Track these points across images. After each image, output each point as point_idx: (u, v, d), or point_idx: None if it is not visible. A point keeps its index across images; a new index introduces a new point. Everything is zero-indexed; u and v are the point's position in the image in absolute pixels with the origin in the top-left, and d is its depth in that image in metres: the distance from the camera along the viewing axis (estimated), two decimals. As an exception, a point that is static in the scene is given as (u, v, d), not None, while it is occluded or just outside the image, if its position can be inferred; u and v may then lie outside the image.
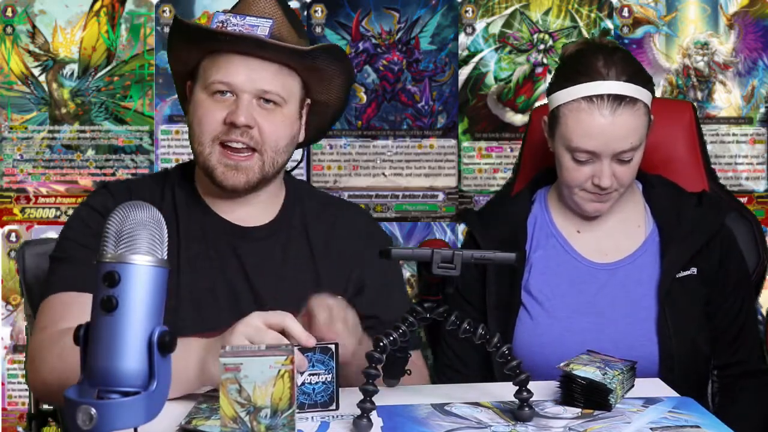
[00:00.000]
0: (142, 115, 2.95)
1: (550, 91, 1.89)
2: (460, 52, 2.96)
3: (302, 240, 1.81)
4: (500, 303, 1.92)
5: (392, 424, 1.43)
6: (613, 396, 1.49)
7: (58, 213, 2.96)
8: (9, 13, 2.92)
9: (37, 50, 2.94)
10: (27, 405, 2.11)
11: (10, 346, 2.96)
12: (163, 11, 2.94)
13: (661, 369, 1.83)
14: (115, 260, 1.06)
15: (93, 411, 1.03)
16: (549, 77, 2.79)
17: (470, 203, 2.97)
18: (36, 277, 1.92)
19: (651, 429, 1.41)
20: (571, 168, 1.86)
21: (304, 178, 2.93)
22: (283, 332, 1.45)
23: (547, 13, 2.94)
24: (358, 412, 1.39)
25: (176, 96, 1.90)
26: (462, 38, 2.96)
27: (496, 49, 2.95)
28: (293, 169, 1.89)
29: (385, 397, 1.49)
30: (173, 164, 2.62)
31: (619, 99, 1.80)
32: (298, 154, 1.83)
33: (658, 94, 2.23)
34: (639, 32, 2.95)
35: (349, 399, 1.46)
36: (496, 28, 2.95)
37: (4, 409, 2.95)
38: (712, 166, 2.18)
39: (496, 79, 2.96)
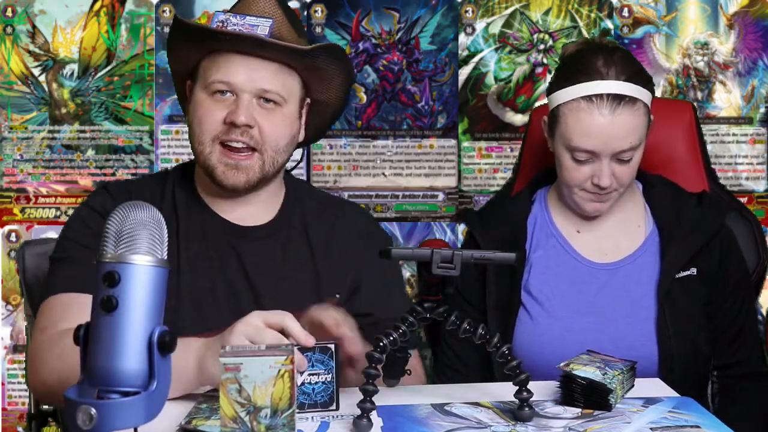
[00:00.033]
0: (142, 115, 2.95)
1: (550, 91, 1.90)
2: (460, 52, 2.96)
3: (302, 239, 1.81)
4: (500, 303, 1.92)
5: (392, 424, 1.43)
6: (613, 396, 1.49)
7: (58, 213, 2.96)
8: (9, 13, 2.92)
9: (37, 50, 2.94)
10: (27, 405, 2.11)
11: (10, 346, 2.96)
12: (163, 11, 2.94)
13: (660, 369, 1.83)
14: (115, 260, 1.06)
15: (93, 411, 1.03)
16: (549, 77, 2.78)
17: (470, 203, 2.97)
18: (36, 277, 1.92)
19: (651, 429, 1.41)
20: (570, 167, 1.86)
21: (304, 178, 2.93)
22: (283, 332, 1.45)
23: (547, 13, 2.94)
24: (358, 412, 1.39)
25: (176, 96, 1.90)
26: (462, 38, 2.95)
27: (496, 49, 2.95)
28: (293, 168, 1.89)
29: (385, 397, 1.48)
30: (173, 164, 2.62)
31: (618, 98, 1.80)
32: (297, 153, 1.84)
33: (658, 94, 2.23)
34: (639, 32, 2.95)
35: (349, 399, 1.46)
36: (496, 28, 2.95)
37: (4, 409, 2.95)
38: (712, 166, 2.18)
39: (496, 79, 2.96)
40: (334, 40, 2.91)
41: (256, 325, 1.44)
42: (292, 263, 1.78)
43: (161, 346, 1.06)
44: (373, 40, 2.95)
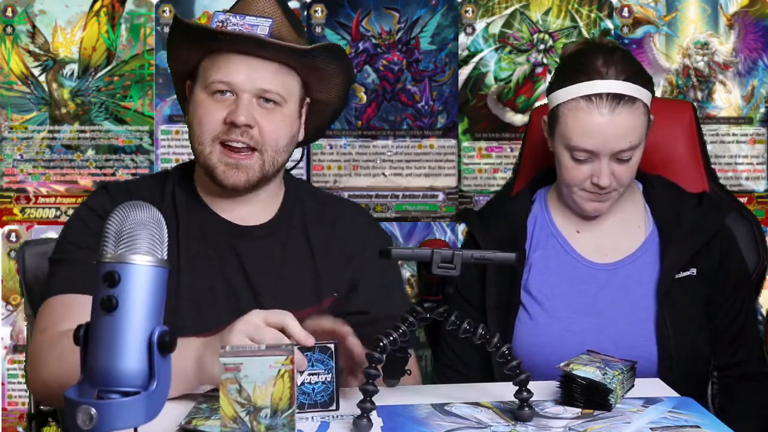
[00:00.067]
0: (142, 115, 2.95)
1: (549, 91, 1.90)
2: (460, 52, 2.96)
3: (302, 239, 1.81)
4: (500, 303, 1.92)
5: (392, 424, 1.43)
6: (613, 396, 1.49)
7: (58, 213, 2.96)
8: (9, 13, 2.92)
9: (37, 50, 2.94)
10: (27, 405, 2.11)
11: (10, 346, 2.96)
12: (163, 11, 2.94)
13: (660, 369, 1.83)
14: (115, 260, 1.06)
15: (93, 411, 1.03)
16: (549, 77, 2.79)
17: (470, 203, 2.97)
18: (36, 277, 1.92)
19: (651, 429, 1.41)
20: (570, 167, 1.86)
21: (304, 177, 2.93)
22: (283, 331, 1.45)
23: (547, 13, 2.94)
24: (358, 412, 1.39)
25: (176, 96, 1.90)
26: (462, 38, 2.96)
27: (496, 49, 2.95)
28: (293, 168, 1.89)
29: (385, 397, 1.48)
30: (173, 164, 2.62)
31: (617, 98, 1.81)
32: (297, 153, 1.84)
33: (658, 94, 2.23)
34: (639, 32, 2.95)
35: (349, 399, 1.46)
36: (496, 28, 2.95)
37: (4, 409, 2.95)
38: (712, 166, 2.18)
39: (496, 79, 2.96)
40: (334, 40, 2.91)
41: (256, 324, 1.44)
42: (292, 262, 1.78)
43: (161, 346, 1.06)
44: (373, 40, 2.95)
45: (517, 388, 1.45)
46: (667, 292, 1.87)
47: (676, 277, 1.89)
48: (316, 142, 2.94)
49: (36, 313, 1.74)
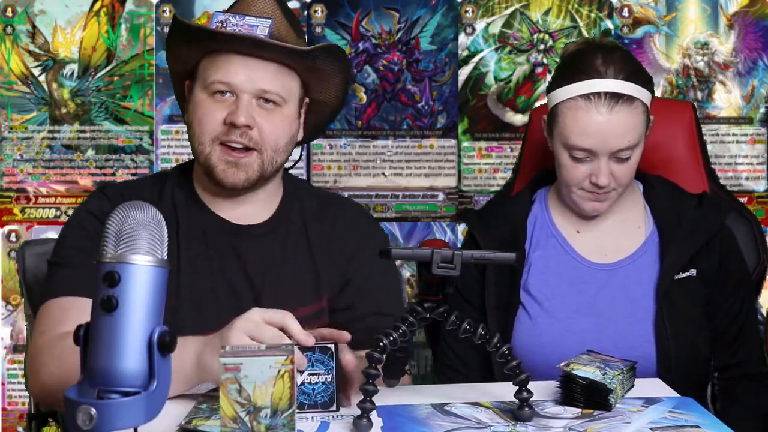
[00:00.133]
0: (142, 115, 2.96)
1: (549, 90, 1.90)
2: (460, 52, 2.96)
3: (301, 237, 1.81)
4: (500, 303, 1.92)
5: (392, 424, 1.43)
6: (613, 396, 1.49)
7: (58, 213, 2.96)
8: (9, 13, 2.93)
9: (37, 50, 2.94)
10: (27, 405, 2.11)
11: (10, 346, 2.96)
12: (163, 11, 2.94)
13: (659, 369, 1.83)
14: (115, 260, 1.06)
15: (93, 411, 1.03)
16: (549, 77, 2.79)
17: (470, 203, 2.97)
18: (36, 277, 1.92)
19: (651, 429, 1.41)
20: (569, 166, 1.86)
21: (304, 177, 2.93)
22: (282, 331, 1.45)
23: (547, 13, 2.94)
24: (358, 412, 1.39)
25: (175, 96, 1.90)
26: (462, 38, 2.96)
27: (496, 49, 2.95)
28: (291, 167, 1.89)
29: (385, 397, 1.48)
30: (173, 164, 2.62)
31: (616, 97, 1.81)
32: (296, 152, 1.84)
33: (658, 94, 2.23)
34: (639, 32, 2.95)
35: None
36: (496, 28, 2.95)
37: (4, 409, 2.95)
38: (712, 166, 2.18)
39: (496, 79, 2.96)
40: (334, 40, 2.91)
41: (256, 322, 1.44)
42: (291, 260, 1.78)
43: (161, 346, 1.06)
44: (373, 40, 2.95)
45: (517, 388, 1.45)
46: (666, 292, 1.87)
47: (676, 277, 1.89)
48: (316, 142, 2.95)
49: (36, 314, 1.74)
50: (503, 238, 1.93)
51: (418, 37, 2.95)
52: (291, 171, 1.89)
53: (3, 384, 2.95)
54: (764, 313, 2.51)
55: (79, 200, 2.82)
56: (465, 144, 2.97)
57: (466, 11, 2.95)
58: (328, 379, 1.46)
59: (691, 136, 2.13)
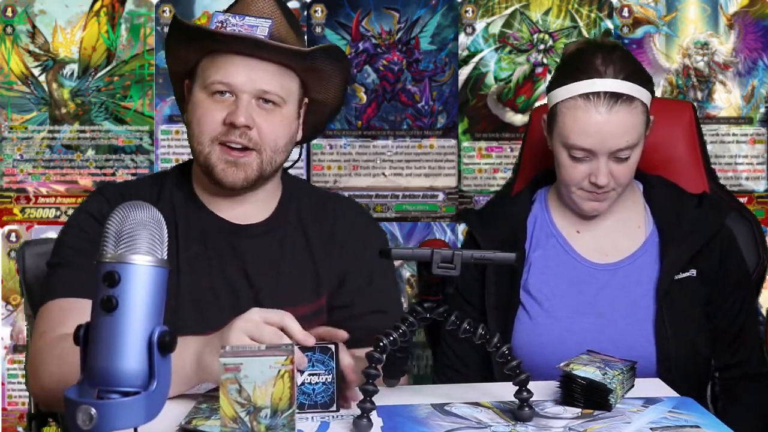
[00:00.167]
0: (142, 115, 2.96)
1: (549, 89, 1.90)
2: (460, 52, 2.96)
3: (299, 235, 1.81)
4: (500, 303, 1.92)
5: (392, 424, 1.43)
6: (613, 396, 1.49)
7: (58, 213, 2.96)
8: (9, 13, 2.93)
9: (37, 50, 2.94)
10: (27, 405, 2.11)
11: (10, 346, 2.96)
12: (163, 11, 2.94)
13: (659, 369, 1.83)
14: (115, 260, 1.06)
15: (93, 411, 1.03)
16: (549, 77, 2.79)
17: (470, 203, 2.97)
18: (36, 277, 1.92)
19: (651, 429, 1.41)
20: (568, 166, 1.86)
21: (304, 178, 2.92)
22: (282, 331, 1.45)
23: (547, 13, 2.94)
24: (358, 412, 1.39)
25: (174, 95, 1.89)
26: (462, 38, 2.96)
27: (496, 49, 2.95)
28: (290, 167, 1.89)
29: (385, 397, 1.48)
30: (173, 164, 2.62)
31: (615, 97, 1.81)
32: (295, 152, 1.84)
33: (658, 94, 2.23)
34: (639, 32, 2.95)
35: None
36: (496, 28, 2.95)
37: (4, 409, 2.95)
38: (712, 166, 2.18)
39: (496, 79, 2.96)
40: (334, 40, 2.91)
41: (256, 321, 1.44)
42: (290, 259, 1.78)
43: (161, 346, 1.06)
44: (373, 40, 2.95)
45: (517, 388, 1.45)
46: (666, 292, 1.87)
47: (676, 277, 1.89)
48: (316, 142, 2.95)
49: (36, 314, 1.74)
50: (503, 238, 1.93)
51: (418, 37, 2.95)
52: (290, 171, 1.89)
53: (3, 384, 2.95)
54: (764, 313, 2.52)
55: (79, 200, 2.82)
56: (465, 144, 2.97)
57: (466, 11, 2.95)
58: (329, 380, 1.46)
59: (691, 136, 2.13)
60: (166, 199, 1.78)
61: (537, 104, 2.84)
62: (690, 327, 1.88)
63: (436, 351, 2.04)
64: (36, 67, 2.93)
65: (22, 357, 2.88)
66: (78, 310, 1.57)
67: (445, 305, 1.46)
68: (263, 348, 1.34)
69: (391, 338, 1.43)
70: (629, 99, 1.81)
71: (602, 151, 1.82)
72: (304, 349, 1.45)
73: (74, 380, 1.08)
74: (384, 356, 1.43)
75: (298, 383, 1.44)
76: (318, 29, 2.94)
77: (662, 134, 2.05)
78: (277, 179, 1.82)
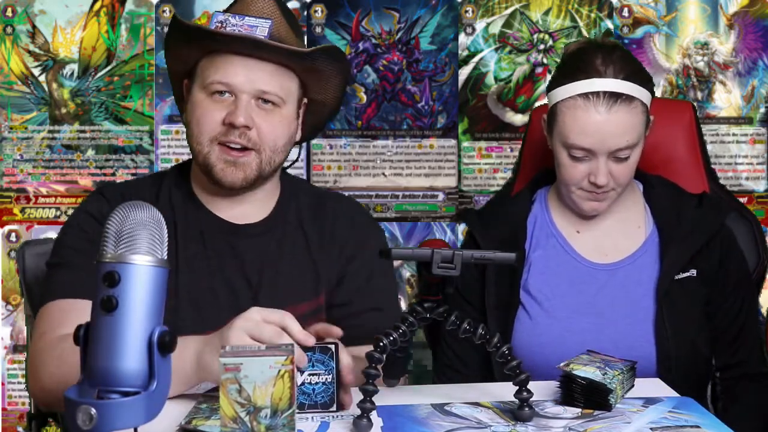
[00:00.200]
0: (142, 115, 2.96)
1: (549, 88, 1.90)
2: (460, 52, 2.96)
3: (298, 234, 1.81)
4: (500, 303, 1.92)
5: (392, 424, 1.43)
6: (613, 396, 1.49)
7: (58, 213, 2.96)
8: (9, 13, 2.93)
9: (37, 50, 2.94)
10: (27, 405, 2.11)
11: (10, 346, 2.96)
12: (163, 11, 2.94)
13: (659, 369, 1.83)
14: (115, 260, 1.06)
15: (93, 411, 1.03)
16: (549, 77, 2.79)
17: (470, 203, 2.97)
18: (36, 277, 1.92)
19: (651, 429, 1.41)
20: (567, 165, 1.86)
21: (304, 178, 2.93)
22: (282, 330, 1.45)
23: (547, 13, 2.94)
24: (358, 412, 1.39)
25: (173, 95, 1.89)
26: (462, 38, 2.96)
27: (496, 49, 2.95)
28: (289, 166, 1.89)
29: (385, 397, 1.48)
30: (173, 164, 2.62)
31: (615, 96, 1.81)
32: (294, 152, 1.84)
33: (658, 94, 2.23)
34: (639, 32, 2.95)
35: (349, 399, 1.46)
36: (496, 28, 2.95)
37: (4, 409, 2.95)
38: (712, 166, 2.18)
39: (496, 79, 2.96)
40: (334, 40, 2.91)
41: (256, 320, 1.44)
42: (289, 258, 1.78)
43: (161, 346, 1.06)
44: (373, 40, 2.95)
45: (517, 388, 1.45)
46: (666, 292, 1.87)
47: (676, 277, 1.89)
48: (316, 142, 2.95)
49: (35, 314, 1.74)
50: (503, 238, 1.93)
51: (418, 37, 2.95)
52: (290, 170, 1.89)
53: (3, 384, 2.95)
54: (764, 313, 2.51)
55: (79, 200, 2.82)
56: (465, 144, 2.97)
57: (466, 11, 2.95)
58: (329, 380, 1.46)
59: (691, 136, 2.13)
60: (165, 199, 1.78)
61: (537, 104, 2.84)
62: (690, 327, 1.88)
63: (436, 351, 2.04)
64: (36, 67, 2.93)
65: (22, 357, 2.88)
66: (78, 311, 1.57)
67: (445, 305, 1.46)
68: (263, 348, 1.34)
69: (391, 338, 1.43)
70: (629, 99, 1.81)
71: (602, 151, 1.82)
72: (305, 349, 1.45)
73: (74, 381, 1.08)
74: (384, 356, 1.43)
75: (298, 383, 1.44)
76: (318, 29, 2.94)
77: (662, 134, 2.05)
78: (276, 179, 1.82)
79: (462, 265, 1.42)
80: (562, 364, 1.54)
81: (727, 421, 1.45)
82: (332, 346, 1.47)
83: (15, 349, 2.95)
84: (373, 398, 1.40)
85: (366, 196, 2.95)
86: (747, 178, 2.96)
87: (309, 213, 1.83)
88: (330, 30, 2.94)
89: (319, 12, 2.94)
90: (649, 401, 1.54)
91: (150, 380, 1.06)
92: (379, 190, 2.98)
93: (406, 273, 2.96)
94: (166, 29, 2.84)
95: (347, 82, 1.83)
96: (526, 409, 1.44)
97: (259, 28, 1.68)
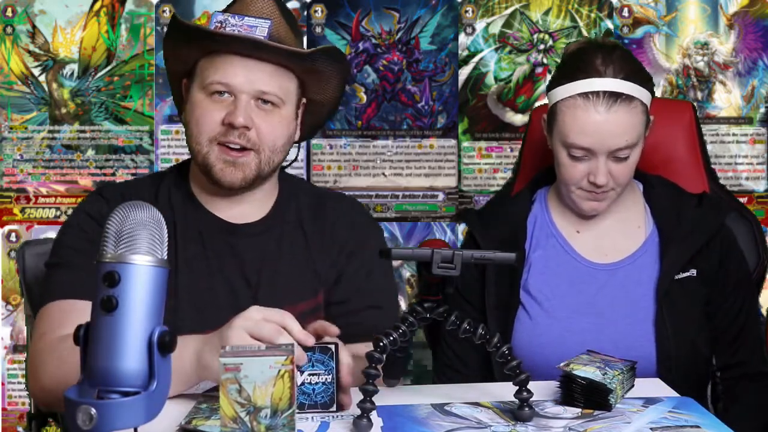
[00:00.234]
0: (142, 115, 2.96)
1: (549, 88, 1.90)
2: (460, 52, 2.96)
3: (297, 233, 1.81)
4: (500, 303, 1.92)
5: (392, 424, 1.43)
6: (613, 396, 1.49)
7: (58, 213, 2.96)
8: (9, 13, 2.93)
9: (37, 50, 2.94)
10: (27, 405, 2.11)
11: (10, 346, 2.96)
12: (163, 11, 2.94)
13: (659, 369, 1.83)
14: (115, 260, 1.06)
15: (93, 411, 1.03)
16: (549, 77, 2.79)
17: (470, 203, 2.97)
18: (36, 277, 1.92)
19: (651, 429, 1.41)
20: (567, 165, 1.86)
21: (304, 178, 2.93)
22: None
23: (547, 13, 2.94)
24: (358, 412, 1.39)
25: (172, 95, 1.89)
26: (462, 38, 2.96)
27: (496, 49, 2.95)
28: (287, 166, 1.89)
29: (385, 397, 1.48)
30: (173, 164, 2.62)
31: (614, 96, 1.81)
32: (292, 152, 1.84)
33: (658, 94, 2.23)
34: (639, 32, 2.95)
35: (349, 399, 1.46)
36: (496, 28, 2.95)
37: (4, 409, 2.95)
38: (712, 166, 2.18)
39: (496, 79, 2.96)
40: (333, 40, 2.91)
41: (256, 319, 1.44)
42: (287, 258, 1.78)
43: (161, 346, 1.06)
44: (373, 40, 2.95)
45: (517, 388, 1.45)
46: (666, 292, 1.87)
47: (676, 277, 1.89)
48: (316, 142, 2.95)
49: (35, 314, 1.74)
50: (503, 238, 1.93)
51: (418, 37, 2.95)
52: (290, 170, 1.89)
53: (3, 384, 2.95)
54: (764, 313, 2.51)
55: (79, 200, 2.82)
56: (465, 144, 2.97)
57: (466, 11, 2.95)
58: (328, 380, 1.46)
59: (691, 136, 2.13)
60: (164, 199, 1.78)
61: (537, 104, 2.84)
62: (690, 327, 1.88)
63: (436, 351, 2.04)
64: (36, 67, 2.93)
65: (22, 357, 2.88)
66: (78, 312, 1.57)
67: (445, 305, 1.46)
68: (263, 348, 1.34)
69: (391, 338, 1.43)
70: (628, 98, 1.81)
71: (601, 151, 1.82)
72: (304, 348, 1.45)
73: (74, 381, 1.08)
74: (384, 356, 1.43)
75: (298, 383, 1.44)
76: (318, 29, 2.94)
77: (662, 134, 2.05)
78: (275, 179, 1.82)
79: (462, 265, 1.42)
80: (562, 364, 1.54)
81: (728, 421, 1.45)
82: (332, 346, 1.47)
83: (15, 349, 2.95)
84: (373, 398, 1.40)
85: (366, 196, 2.95)
86: (747, 178, 2.96)
87: (309, 213, 1.84)
88: (330, 30, 2.94)
89: (319, 12, 2.94)
90: (649, 401, 1.54)
91: (150, 380, 1.06)
92: (379, 190, 2.98)
93: (406, 273, 2.96)
94: (166, 29, 2.85)
95: (346, 83, 1.83)
96: (526, 409, 1.44)
97: (259, 29, 1.68)
